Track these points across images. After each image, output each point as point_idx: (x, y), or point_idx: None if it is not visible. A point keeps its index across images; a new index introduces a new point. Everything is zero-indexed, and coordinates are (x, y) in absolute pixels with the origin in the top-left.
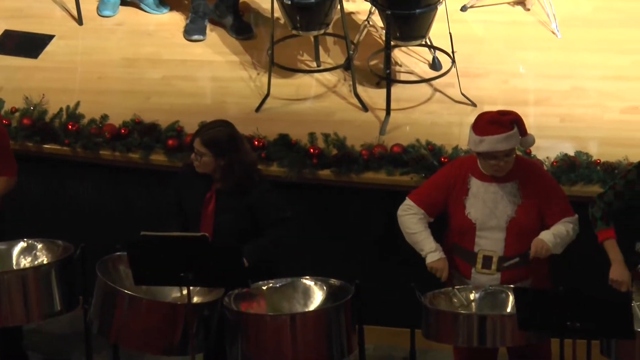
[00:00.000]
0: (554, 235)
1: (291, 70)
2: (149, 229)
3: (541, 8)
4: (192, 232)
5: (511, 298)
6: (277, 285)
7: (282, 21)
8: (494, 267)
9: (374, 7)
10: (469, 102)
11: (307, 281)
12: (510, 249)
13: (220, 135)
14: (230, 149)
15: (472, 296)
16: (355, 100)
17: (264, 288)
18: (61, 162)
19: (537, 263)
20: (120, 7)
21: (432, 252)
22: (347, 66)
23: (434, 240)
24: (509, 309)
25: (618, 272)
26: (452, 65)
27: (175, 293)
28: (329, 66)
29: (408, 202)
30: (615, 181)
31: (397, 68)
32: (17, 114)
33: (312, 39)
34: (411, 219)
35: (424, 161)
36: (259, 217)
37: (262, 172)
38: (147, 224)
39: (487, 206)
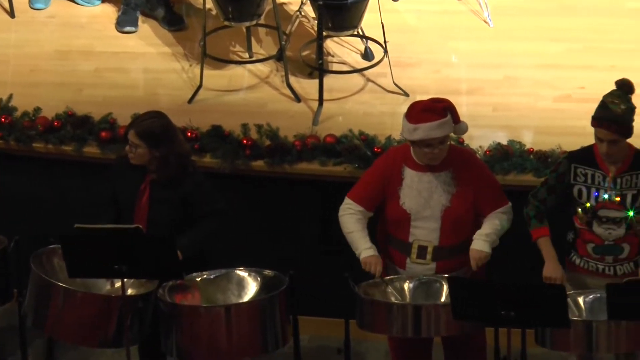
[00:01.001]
0: (488, 236)
1: (223, 61)
2: (82, 221)
3: None
4: (126, 224)
5: (445, 287)
6: (211, 277)
7: (214, 12)
8: (429, 257)
9: None
10: (401, 92)
11: (241, 272)
12: (445, 239)
13: (154, 126)
14: (164, 140)
15: (406, 286)
16: (287, 91)
17: (198, 280)
18: None
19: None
20: None
21: (365, 250)
22: (280, 57)
23: (369, 240)
24: (443, 299)
25: (551, 269)
26: (384, 55)
27: (109, 285)
28: (261, 57)
29: (347, 201)
30: (547, 176)
31: (330, 58)
32: None
33: (244, 30)
34: (349, 219)
35: (357, 151)
36: (193, 209)
37: (196, 163)
38: (81, 216)
39: (421, 196)
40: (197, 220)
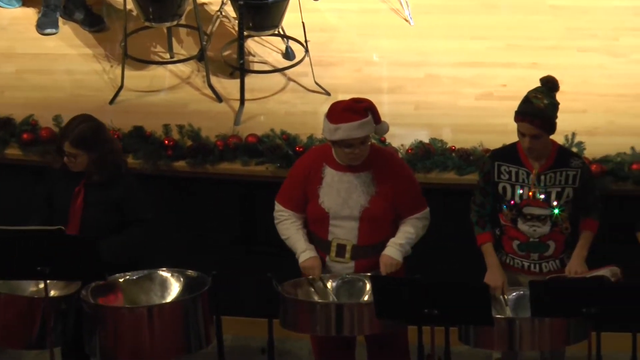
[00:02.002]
0: (402, 245)
1: (144, 62)
2: (5, 223)
3: None
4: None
5: (368, 286)
6: (134, 278)
7: (134, 13)
8: (347, 255)
9: None
10: (322, 91)
11: (164, 273)
12: (363, 238)
13: (86, 131)
14: (99, 141)
15: (329, 285)
16: (209, 91)
17: (121, 280)
18: None
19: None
20: None
21: (303, 252)
22: (201, 57)
23: (306, 241)
24: (366, 297)
25: (493, 277)
26: (305, 55)
27: (33, 287)
28: (182, 57)
29: (277, 207)
30: (478, 179)
31: (251, 58)
32: None
33: (165, 31)
34: (284, 225)
35: (279, 151)
36: (124, 213)
37: (127, 164)
38: (4, 218)
39: (340, 196)
40: (124, 225)
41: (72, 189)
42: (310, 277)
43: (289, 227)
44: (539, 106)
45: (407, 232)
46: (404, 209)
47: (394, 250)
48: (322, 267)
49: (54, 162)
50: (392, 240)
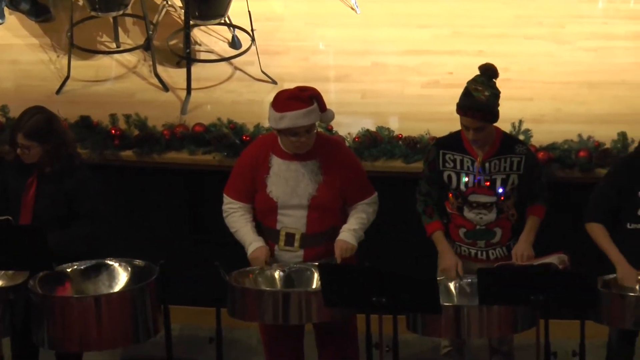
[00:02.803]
0: (355, 231)
1: (91, 51)
2: None
3: None
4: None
5: (316, 275)
6: (82, 268)
7: (80, 3)
8: (296, 244)
9: None
10: (269, 80)
11: (112, 262)
12: (312, 227)
13: (39, 122)
14: (52, 132)
15: (277, 274)
16: (155, 81)
17: (69, 270)
18: None
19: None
20: None
21: (250, 244)
22: (147, 46)
23: (254, 233)
24: (314, 286)
25: (447, 261)
26: (251, 44)
27: None
28: (128, 47)
29: (225, 199)
30: (423, 168)
31: (197, 47)
32: None
33: (111, 20)
34: (232, 218)
35: (226, 140)
36: (75, 205)
37: (82, 156)
38: None
39: (288, 184)
40: (75, 218)
41: (25, 181)
42: (258, 266)
43: (237, 219)
44: (480, 99)
45: (359, 218)
46: (352, 196)
47: (348, 235)
48: (271, 257)
49: (7, 153)
50: (345, 226)
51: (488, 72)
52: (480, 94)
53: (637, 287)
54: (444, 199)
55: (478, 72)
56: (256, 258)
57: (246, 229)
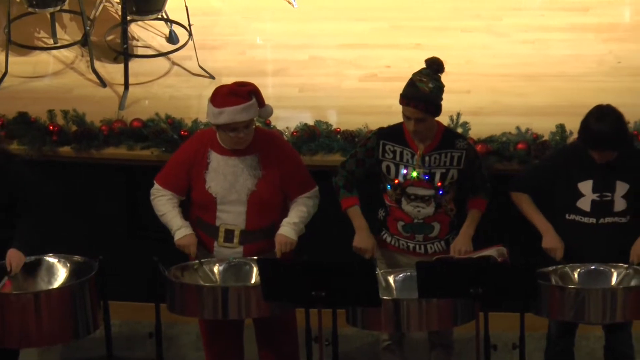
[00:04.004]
0: (295, 224)
1: (28, 47)
2: None
3: None
4: None
5: (255, 269)
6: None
7: None
8: (236, 240)
9: None
10: (207, 75)
11: (51, 259)
12: (251, 223)
13: None
14: None
15: (216, 269)
16: (93, 76)
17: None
18: None
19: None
20: None
21: (178, 230)
22: (85, 42)
23: (182, 218)
24: (253, 281)
25: (362, 239)
26: (189, 38)
27: None
28: (66, 43)
29: (156, 185)
30: (356, 149)
31: (135, 42)
32: None
33: (49, 16)
34: (160, 201)
35: (164, 135)
36: (19, 197)
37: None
38: None
39: (227, 180)
40: (23, 213)
41: None
42: (197, 260)
43: (165, 203)
44: (424, 90)
45: (299, 211)
46: (292, 191)
47: (288, 229)
48: (210, 253)
49: None
50: (285, 219)
51: (434, 66)
52: (424, 85)
53: (561, 256)
54: (382, 191)
55: (415, 65)
56: (185, 245)
57: (173, 213)
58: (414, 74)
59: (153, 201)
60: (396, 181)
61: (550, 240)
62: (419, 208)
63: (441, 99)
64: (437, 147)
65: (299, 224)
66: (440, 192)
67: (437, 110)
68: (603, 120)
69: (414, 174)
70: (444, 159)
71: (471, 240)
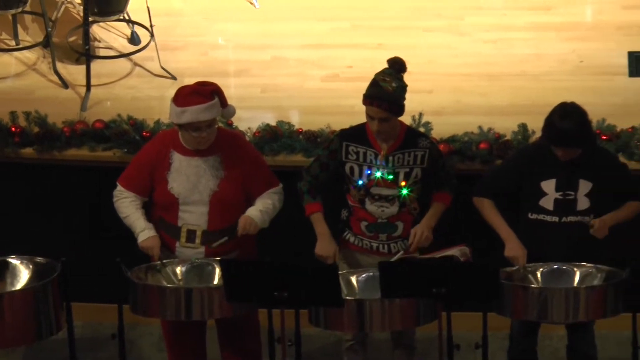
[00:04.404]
0: (261, 212)
1: None
2: None
3: None
4: None
5: (218, 270)
6: None
7: None
8: (198, 241)
9: None
10: (169, 76)
11: (13, 260)
12: (214, 223)
13: None
14: None
15: (178, 270)
16: (55, 78)
17: None
18: None
19: (244, 235)
20: None
21: (142, 232)
22: (46, 43)
23: (145, 220)
24: (215, 281)
25: (323, 246)
26: (151, 39)
27: None
28: (27, 44)
29: (118, 187)
30: (319, 152)
31: (96, 44)
32: None
33: (10, 17)
34: (123, 203)
35: (126, 136)
36: None
37: None
38: None
39: (189, 180)
40: None
41: None
42: (159, 261)
43: (128, 205)
44: (387, 89)
45: (265, 202)
46: (256, 189)
47: (254, 212)
48: (172, 253)
49: None
50: (251, 207)
51: (396, 66)
52: (388, 85)
53: (523, 264)
54: (346, 192)
55: (377, 65)
56: (148, 247)
57: (137, 215)
58: (377, 74)
59: (116, 203)
60: (360, 182)
61: (513, 248)
62: (383, 208)
63: (404, 99)
64: (400, 146)
65: (264, 213)
66: (405, 191)
67: (401, 109)
68: (567, 117)
69: (378, 174)
70: (408, 158)
71: (432, 230)
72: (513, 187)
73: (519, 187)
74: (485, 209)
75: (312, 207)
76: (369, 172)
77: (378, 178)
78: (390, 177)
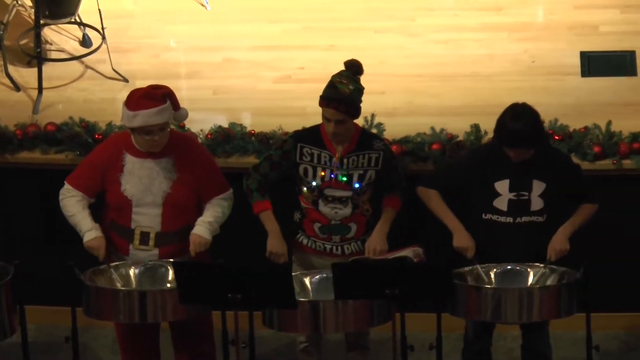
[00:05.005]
0: (210, 223)
1: None
2: None
3: None
4: None
5: (171, 272)
6: None
7: None
8: (151, 242)
9: None
10: (120, 78)
11: None
12: (167, 225)
13: None
14: None
15: (132, 272)
16: (7, 80)
17: None
18: None
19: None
20: None
21: (88, 232)
22: None
23: (92, 220)
24: (169, 284)
25: (275, 244)
26: (102, 42)
27: None
28: None
29: (66, 186)
30: (271, 152)
31: (48, 46)
32: None
33: None
34: (69, 202)
35: (79, 138)
36: None
37: None
38: None
39: (142, 182)
40: None
41: None
42: (112, 264)
43: (74, 204)
44: (344, 92)
45: (214, 211)
46: (207, 193)
47: (202, 228)
48: (126, 255)
49: None
50: (200, 219)
51: (353, 68)
52: (345, 87)
53: (472, 255)
54: (298, 194)
55: (329, 67)
56: (94, 247)
57: (83, 215)
58: (334, 76)
59: (62, 201)
60: (313, 183)
61: (461, 239)
62: (337, 209)
63: (361, 101)
64: (354, 149)
65: (213, 224)
66: (358, 185)
67: (357, 112)
68: (519, 118)
69: (332, 176)
70: (362, 160)
71: (386, 238)
72: (462, 186)
73: (468, 186)
74: (432, 200)
75: (262, 205)
76: (322, 173)
77: (332, 180)
78: (344, 179)
